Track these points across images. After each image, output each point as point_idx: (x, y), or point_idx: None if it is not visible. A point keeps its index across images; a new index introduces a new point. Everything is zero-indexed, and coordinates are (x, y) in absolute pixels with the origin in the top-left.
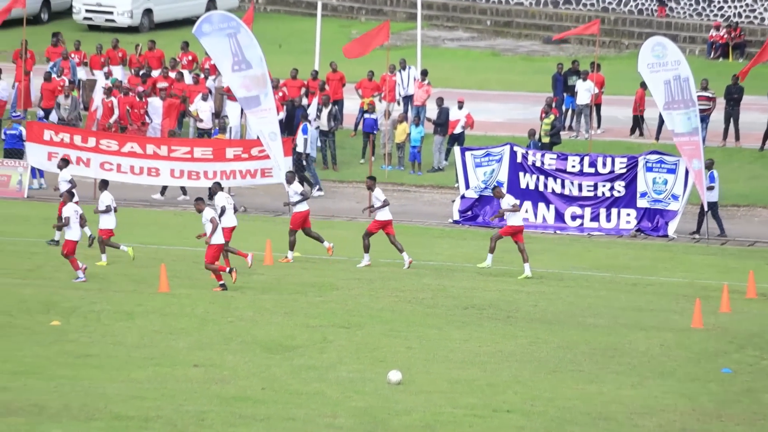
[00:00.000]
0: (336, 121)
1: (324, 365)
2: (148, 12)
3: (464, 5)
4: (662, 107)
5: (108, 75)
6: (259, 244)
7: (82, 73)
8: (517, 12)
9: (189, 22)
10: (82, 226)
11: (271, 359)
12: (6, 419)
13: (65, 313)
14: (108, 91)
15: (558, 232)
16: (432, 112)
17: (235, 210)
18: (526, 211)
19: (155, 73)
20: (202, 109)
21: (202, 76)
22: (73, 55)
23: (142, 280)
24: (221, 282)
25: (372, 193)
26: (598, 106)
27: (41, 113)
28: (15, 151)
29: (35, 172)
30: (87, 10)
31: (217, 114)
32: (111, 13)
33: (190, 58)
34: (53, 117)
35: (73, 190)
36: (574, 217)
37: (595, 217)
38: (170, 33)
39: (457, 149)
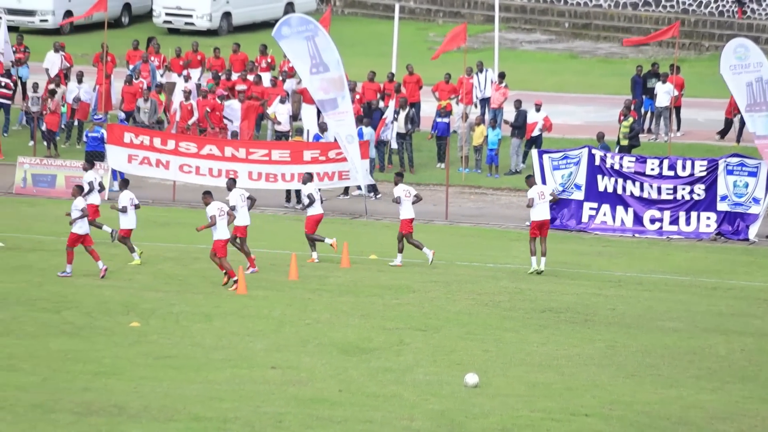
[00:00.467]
0: (413, 123)
1: (401, 368)
2: (227, 15)
3: (542, 7)
4: (744, 109)
5: (187, 78)
6: (337, 246)
7: (161, 77)
8: (596, 14)
9: (267, 25)
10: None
11: (348, 361)
12: (87, 419)
13: (145, 315)
14: (187, 94)
15: (636, 235)
16: (509, 114)
17: (250, 207)
18: (604, 214)
19: (235, 76)
20: (280, 111)
21: (280, 78)
22: (152, 59)
23: (221, 282)
24: (235, 278)
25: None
26: (678, 109)
27: (122, 116)
28: (96, 154)
29: (116, 174)
30: (167, 14)
31: (295, 117)
32: (190, 16)
33: (268, 60)
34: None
35: (94, 188)
36: (653, 221)
37: (674, 221)
38: (249, 36)
39: (534, 152)
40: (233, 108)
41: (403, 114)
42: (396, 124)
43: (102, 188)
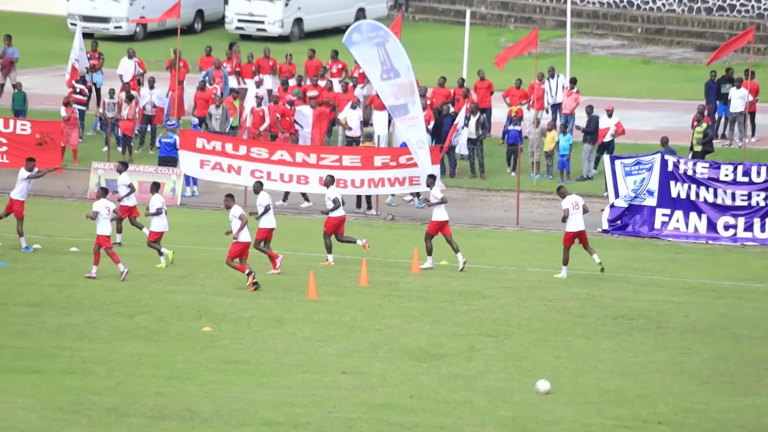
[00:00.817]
0: (484, 129)
1: (472, 374)
2: (298, 21)
3: (615, 12)
4: None
5: (259, 84)
6: (407, 251)
7: (233, 82)
8: (669, 19)
9: (338, 31)
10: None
11: (419, 367)
12: (160, 423)
13: (216, 320)
14: (259, 100)
15: (710, 242)
16: (581, 120)
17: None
18: (677, 221)
19: (308, 82)
20: (351, 117)
21: (350, 84)
22: (224, 64)
23: (292, 288)
24: (247, 271)
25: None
26: (753, 114)
27: (195, 121)
28: (169, 160)
29: (188, 180)
30: (239, 20)
31: (366, 122)
32: (262, 22)
33: (339, 66)
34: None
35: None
36: (726, 227)
37: (748, 227)
38: (320, 42)
39: (606, 157)
40: (304, 114)
41: (473, 119)
42: (467, 130)
43: (133, 189)
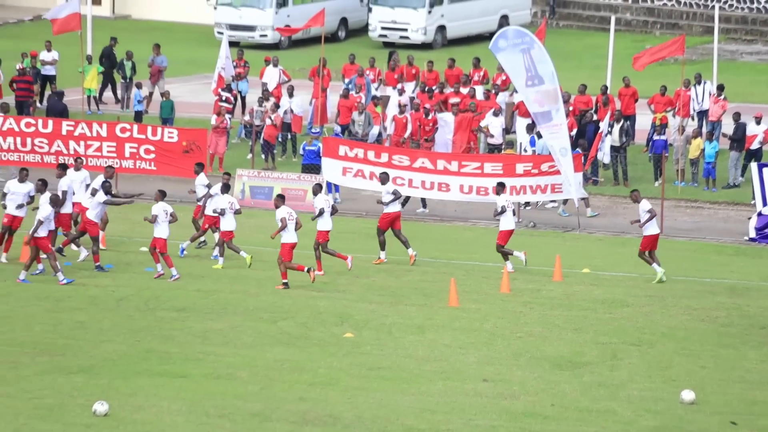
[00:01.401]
0: (627, 136)
1: (614, 383)
2: (441, 29)
3: (764, 18)
4: None
5: (401, 92)
6: (549, 259)
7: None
8: None
9: (481, 38)
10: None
11: (561, 375)
12: (303, 428)
13: (358, 326)
14: (402, 108)
15: None
16: (728, 127)
17: (334, 211)
18: None
19: (449, 90)
20: (493, 124)
21: (493, 91)
22: (368, 72)
23: (432, 294)
24: (285, 280)
25: (638, 206)
26: None
27: (338, 129)
28: (313, 167)
29: (330, 187)
30: (383, 28)
31: (508, 130)
32: (405, 30)
33: (481, 74)
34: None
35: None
36: None
37: None
38: (462, 49)
39: (754, 165)
40: (446, 121)
41: (617, 127)
42: (610, 138)
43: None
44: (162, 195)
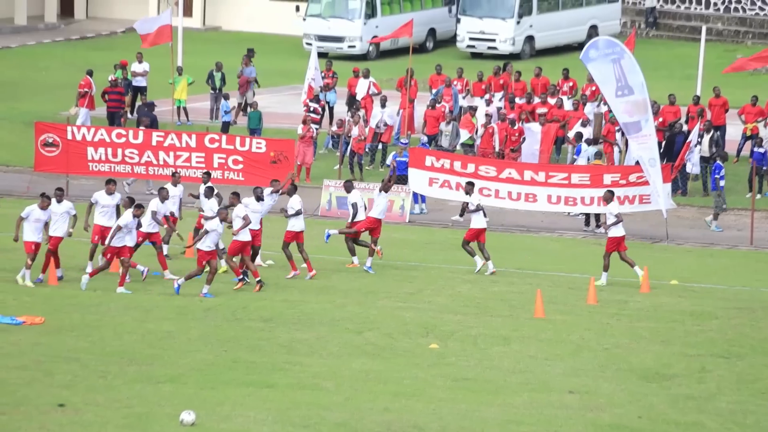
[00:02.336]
0: (717, 147)
1: (703, 395)
2: (529, 39)
3: None
4: None
5: (488, 102)
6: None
7: (463, 101)
8: None
9: (569, 48)
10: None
11: (648, 388)
12: None
13: (443, 337)
14: (489, 118)
15: None
16: None
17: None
18: None
19: (536, 100)
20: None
21: (581, 102)
22: (455, 83)
23: (518, 306)
24: (239, 277)
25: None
26: None
27: (424, 139)
28: (401, 178)
29: (417, 198)
30: (470, 38)
31: (596, 140)
32: (493, 40)
33: (570, 84)
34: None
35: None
36: None
37: None
38: (550, 60)
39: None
40: (533, 131)
41: (707, 137)
42: (699, 148)
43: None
44: (130, 202)
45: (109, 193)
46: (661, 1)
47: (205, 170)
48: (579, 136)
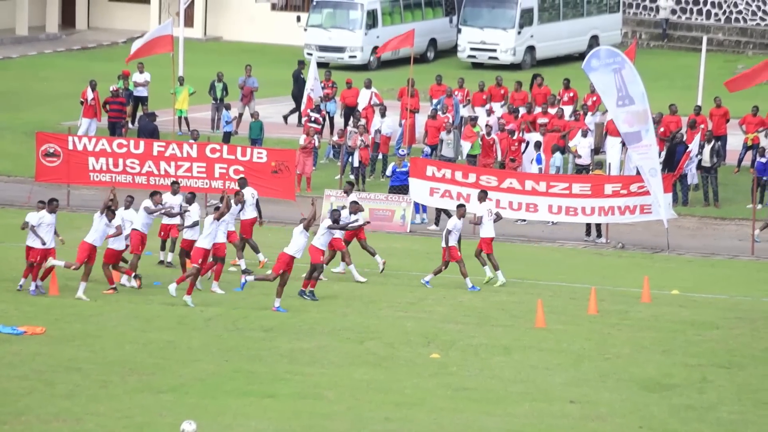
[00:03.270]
0: (719, 157)
1: (703, 405)
2: (530, 49)
3: None
4: None
5: (489, 112)
6: (637, 280)
7: (464, 111)
8: None
9: (570, 58)
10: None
11: (649, 397)
12: None
13: (444, 346)
14: (489, 129)
15: None
16: None
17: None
18: None
19: (537, 110)
20: (582, 145)
21: (582, 112)
22: (456, 93)
23: (520, 315)
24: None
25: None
26: None
27: (427, 150)
28: (402, 188)
29: (418, 207)
30: (471, 48)
31: (597, 150)
32: (494, 50)
33: (571, 95)
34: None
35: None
36: None
37: None
38: (551, 70)
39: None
40: (535, 141)
41: (708, 147)
42: (697, 159)
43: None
44: (48, 204)
45: (174, 193)
46: (678, 12)
47: (174, 180)
48: (537, 144)
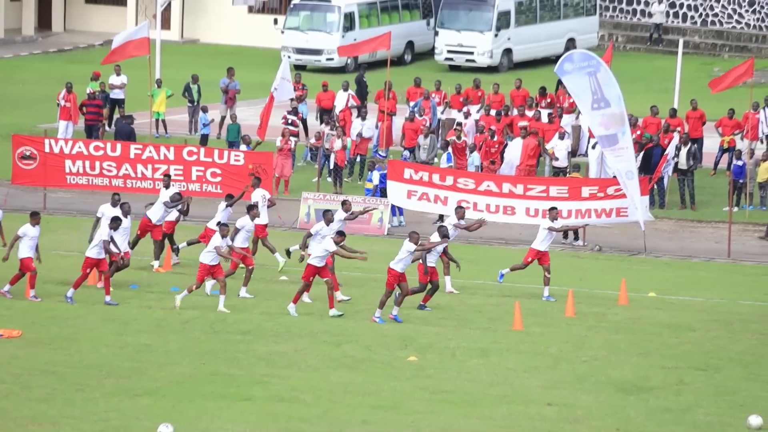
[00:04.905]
0: (695, 159)
1: (680, 408)
2: (507, 52)
3: None
4: None
5: (467, 115)
6: (614, 283)
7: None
8: None
9: (547, 61)
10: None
11: (626, 400)
12: None
13: (422, 349)
14: (459, 132)
15: None
16: None
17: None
18: None
19: (515, 112)
20: (559, 147)
21: (558, 115)
22: (433, 95)
23: (497, 318)
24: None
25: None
26: None
27: (406, 154)
28: (380, 190)
29: (395, 210)
30: (449, 51)
31: (573, 153)
32: (472, 53)
33: (548, 100)
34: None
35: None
36: None
37: None
38: (528, 72)
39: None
40: (514, 144)
41: (684, 150)
42: (676, 161)
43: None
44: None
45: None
46: (671, 17)
47: (165, 173)
48: (445, 144)
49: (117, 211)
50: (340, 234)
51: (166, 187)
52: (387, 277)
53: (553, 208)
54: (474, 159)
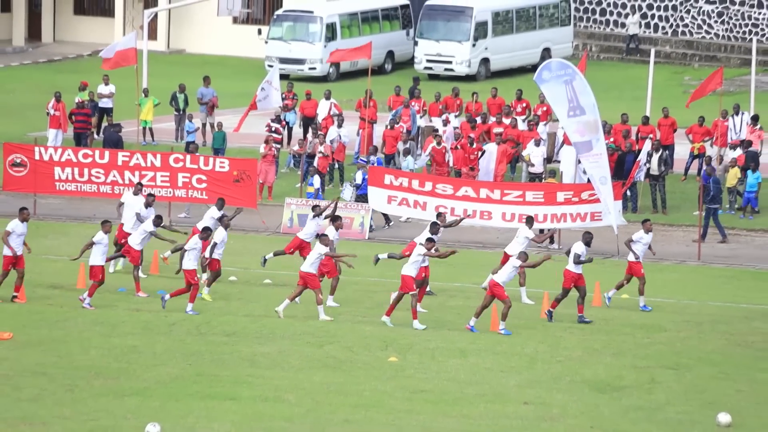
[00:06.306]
0: (666, 165)
1: (652, 406)
2: (485, 61)
3: None
4: None
5: (446, 122)
6: (588, 285)
7: (421, 121)
8: None
9: (523, 70)
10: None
11: (600, 399)
12: None
13: (402, 350)
14: (440, 139)
15: None
16: (764, 157)
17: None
18: None
19: (492, 120)
20: (535, 154)
21: (533, 122)
22: (413, 104)
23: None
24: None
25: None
26: None
27: (380, 159)
28: (362, 196)
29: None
30: (428, 60)
31: (549, 159)
32: (450, 62)
33: (524, 105)
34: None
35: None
36: None
37: None
38: (505, 81)
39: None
40: (490, 151)
41: (656, 156)
42: (648, 167)
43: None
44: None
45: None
46: (642, 28)
47: (149, 193)
48: (374, 149)
49: (140, 200)
50: (324, 236)
51: (147, 206)
52: (400, 283)
53: (530, 218)
54: (409, 163)
